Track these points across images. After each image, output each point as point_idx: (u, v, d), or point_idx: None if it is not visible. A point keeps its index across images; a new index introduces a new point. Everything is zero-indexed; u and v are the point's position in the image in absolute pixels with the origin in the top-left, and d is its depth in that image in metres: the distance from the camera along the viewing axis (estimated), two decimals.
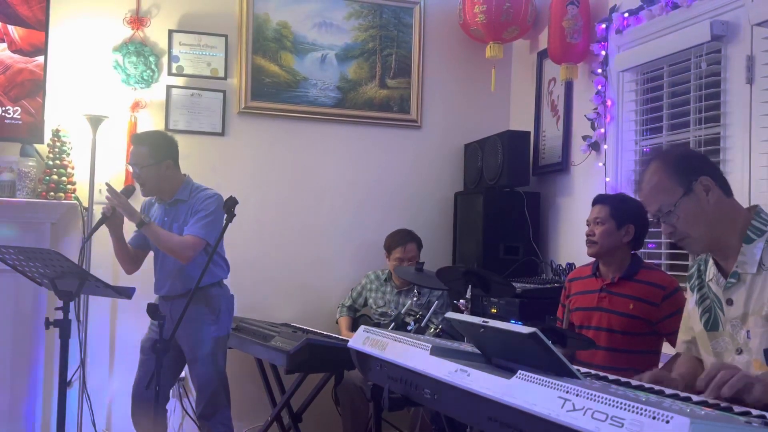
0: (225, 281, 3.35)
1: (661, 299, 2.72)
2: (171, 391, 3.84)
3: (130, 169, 3.35)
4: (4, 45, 3.85)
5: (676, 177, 1.89)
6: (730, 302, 1.87)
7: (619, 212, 2.82)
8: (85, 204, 3.95)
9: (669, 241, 3.41)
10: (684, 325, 2.11)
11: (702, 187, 1.88)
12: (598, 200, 2.94)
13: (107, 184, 3.19)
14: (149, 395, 3.09)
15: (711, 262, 1.97)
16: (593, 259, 2.96)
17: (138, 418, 3.26)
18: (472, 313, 3.00)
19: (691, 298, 2.04)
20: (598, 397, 1.22)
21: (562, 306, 3.04)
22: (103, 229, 3.98)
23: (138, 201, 3.47)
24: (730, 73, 3.04)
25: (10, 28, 3.85)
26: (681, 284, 2.90)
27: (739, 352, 1.83)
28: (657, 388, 1.62)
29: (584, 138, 3.89)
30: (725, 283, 1.89)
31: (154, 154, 3.22)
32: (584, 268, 3.03)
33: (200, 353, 3.21)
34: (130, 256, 3.33)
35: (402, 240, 4.11)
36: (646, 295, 2.74)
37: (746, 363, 1.79)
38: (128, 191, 3.33)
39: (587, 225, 2.89)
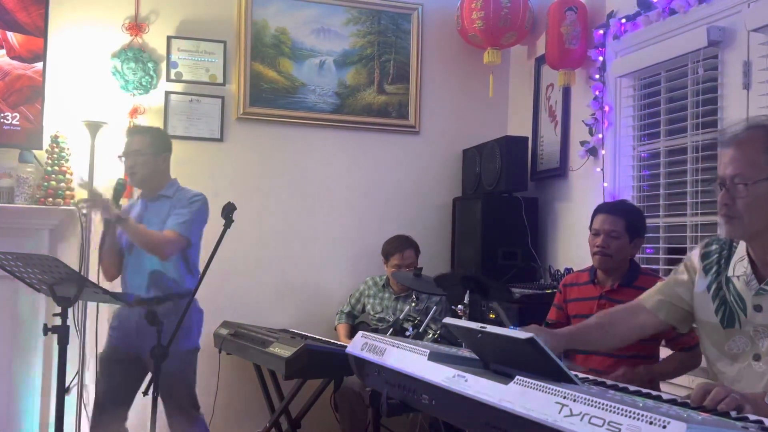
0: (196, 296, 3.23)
1: None
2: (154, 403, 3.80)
3: (123, 159, 3.23)
4: (3, 51, 3.86)
5: None
6: (758, 308, 1.79)
7: (634, 226, 2.80)
8: (84, 210, 3.95)
9: (668, 246, 3.44)
10: (669, 288, 2.02)
11: None
12: (611, 211, 2.85)
13: (82, 179, 3.02)
14: (115, 411, 3.07)
15: (740, 256, 1.86)
16: (590, 264, 2.95)
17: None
18: (471, 318, 3.01)
19: (701, 279, 1.93)
20: (596, 402, 1.22)
21: (556, 308, 3.03)
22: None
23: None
24: (726, 78, 3.05)
25: (9, 34, 3.86)
26: None
27: (757, 358, 1.78)
28: (655, 393, 1.61)
29: (582, 143, 3.89)
30: (758, 288, 1.79)
31: (155, 144, 3.22)
32: (580, 274, 3.01)
33: (170, 368, 2.95)
34: (118, 258, 3.22)
35: (400, 246, 4.12)
36: None
37: (762, 372, 1.75)
38: (120, 185, 3.22)
39: (595, 233, 2.82)
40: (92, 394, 3.96)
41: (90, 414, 3.86)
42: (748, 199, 1.74)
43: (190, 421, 3.19)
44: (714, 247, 1.96)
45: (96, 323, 3.65)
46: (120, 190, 3.21)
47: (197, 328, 3.24)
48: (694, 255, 1.99)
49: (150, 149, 3.20)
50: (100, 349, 3.32)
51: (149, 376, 3.15)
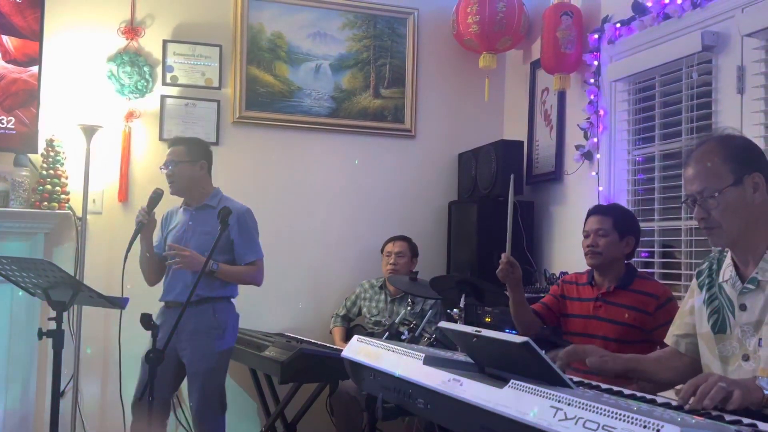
0: (233, 300, 3.36)
1: (655, 308, 2.74)
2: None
3: (163, 170, 3.36)
4: None
5: (730, 164, 1.82)
6: (743, 307, 1.83)
7: (622, 224, 2.84)
8: (79, 214, 3.94)
9: (663, 250, 3.45)
10: (680, 319, 2.08)
11: (752, 183, 1.81)
12: (599, 211, 2.93)
13: (172, 247, 3.20)
14: (154, 406, 3.09)
15: (727, 263, 1.92)
16: (587, 267, 2.97)
17: (137, 430, 3.24)
18: (466, 322, 3.01)
19: (698, 296, 2.00)
20: (590, 406, 1.23)
21: (551, 296, 3.04)
22: (97, 240, 4.01)
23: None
24: (721, 83, 3.06)
25: (5, 38, 3.86)
26: (674, 294, 2.92)
27: (746, 358, 1.80)
28: (649, 396, 1.62)
29: (577, 147, 3.90)
30: (741, 288, 1.84)
31: (190, 153, 3.33)
32: (580, 275, 3.03)
33: (203, 368, 3.18)
34: (157, 265, 3.35)
35: (393, 238, 4.23)
36: (641, 304, 2.76)
37: (752, 371, 1.77)
38: (157, 195, 3.30)
39: (586, 235, 2.88)
40: (86, 398, 3.96)
41: (81, 416, 3.86)
42: (721, 208, 1.82)
43: (217, 423, 3.25)
44: (705, 264, 2.03)
45: (119, 327, 3.66)
46: (156, 199, 3.29)
47: (232, 330, 3.33)
48: (693, 279, 2.06)
49: (186, 158, 3.31)
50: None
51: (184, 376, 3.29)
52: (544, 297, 3.07)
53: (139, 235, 3.24)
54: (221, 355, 3.24)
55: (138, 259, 3.34)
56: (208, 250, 3.18)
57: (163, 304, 3.34)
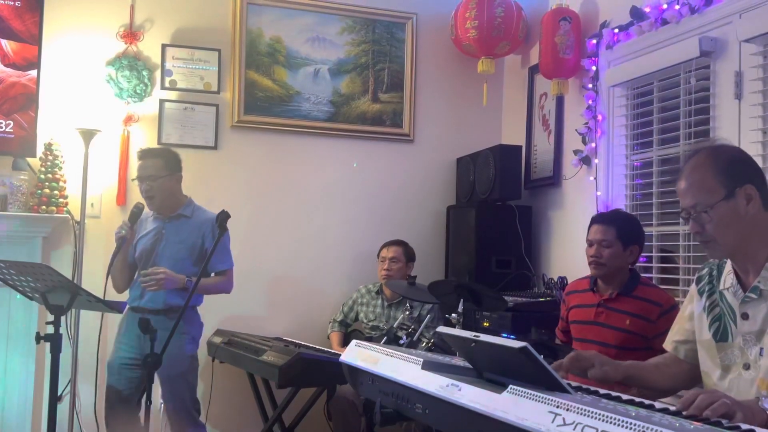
0: (198, 308, 3.43)
1: (658, 316, 2.73)
2: (160, 408, 3.84)
3: (138, 183, 3.32)
4: None
5: (721, 178, 1.81)
6: (745, 316, 1.82)
7: (625, 234, 2.83)
8: (77, 218, 3.94)
9: (661, 255, 3.46)
10: (679, 325, 2.07)
11: (744, 195, 1.80)
12: (602, 220, 2.90)
13: (146, 273, 3.20)
14: (128, 413, 3.12)
15: (728, 270, 1.91)
16: (587, 271, 2.97)
17: None
18: (465, 326, 3.01)
19: (698, 302, 1.99)
20: (588, 411, 1.23)
21: (562, 320, 3.04)
22: (95, 244, 4.00)
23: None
24: (718, 88, 3.07)
25: (3, 42, 3.86)
26: (676, 299, 2.92)
27: (747, 367, 1.80)
28: (647, 402, 1.62)
29: (575, 152, 3.91)
30: (743, 297, 1.83)
31: (168, 166, 3.31)
32: (581, 281, 3.03)
33: (176, 371, 3.22)
34: (129, 273, 3.37)
35: (388, 243, 4.22)
36: (643, 311, 2.75)
37: (752, 380, 1.77)
38: (138, 209, 3.30)
39: (589, 245, 2.87)
40: (84, 403, 3.96)
41: (79, 420, 3.85)
42: (714, 222, 1.81)
43: (194, 425, 3.31)
44: (705, 270, 2.02)
45: (99, 330, 3.71)
46: (138, 213, 3.31)
47: (198, 336, 3.41)
48: (692, 284, 2.05)
49: (165, 172, 3.29)
50: (108, 356, 3.44)
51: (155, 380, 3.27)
52: (558, 324, 3.08)
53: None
54: (192, 359, 3.33)
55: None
56: (182, 259, 3.28)
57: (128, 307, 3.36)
